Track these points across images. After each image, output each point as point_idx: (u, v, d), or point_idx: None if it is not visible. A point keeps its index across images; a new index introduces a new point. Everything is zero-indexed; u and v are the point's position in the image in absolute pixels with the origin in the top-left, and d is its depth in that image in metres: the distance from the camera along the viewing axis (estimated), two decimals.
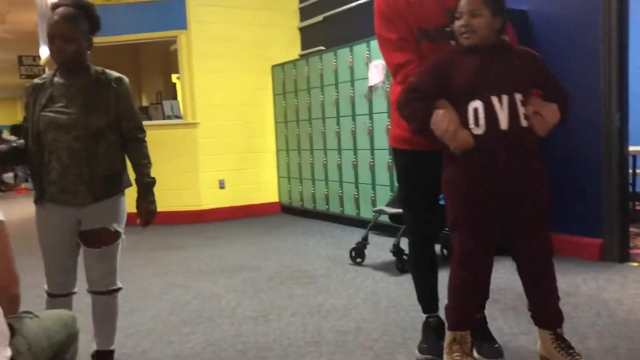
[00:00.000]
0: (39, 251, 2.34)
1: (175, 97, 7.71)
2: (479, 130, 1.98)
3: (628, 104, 3.89)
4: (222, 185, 6.70)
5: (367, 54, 5.35)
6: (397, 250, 3.92)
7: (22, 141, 2.33)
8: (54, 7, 2.23)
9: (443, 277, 2.44)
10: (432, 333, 2.42)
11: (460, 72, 2.02)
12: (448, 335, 2.15)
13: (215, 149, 6.63)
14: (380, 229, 5.06)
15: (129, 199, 2.38)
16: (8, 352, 1.44)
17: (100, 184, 2.26)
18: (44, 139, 2.22)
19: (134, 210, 2.37)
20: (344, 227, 5.77)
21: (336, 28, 6.46)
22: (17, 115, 19.46)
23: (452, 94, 2.04)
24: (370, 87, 5.32)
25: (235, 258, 4.68)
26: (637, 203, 5.63)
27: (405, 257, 3.92)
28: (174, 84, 8.52)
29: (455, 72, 2.03)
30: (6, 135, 15.30)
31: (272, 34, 6.95)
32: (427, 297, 2.47)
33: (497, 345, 2.33)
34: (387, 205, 4.42)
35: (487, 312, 2.44)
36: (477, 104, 1.98)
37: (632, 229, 4.61)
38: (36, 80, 2.33)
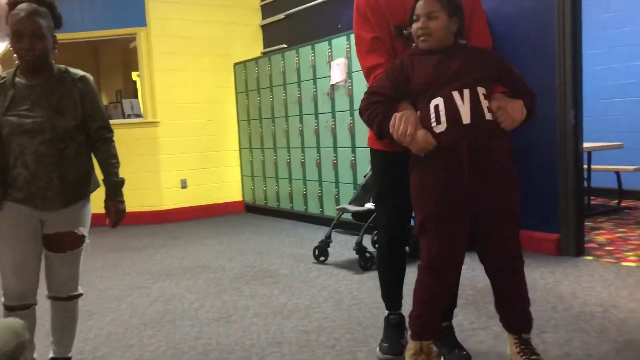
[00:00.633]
0: None
1: (136, 96, 7.58)
2: (441, 128, 1.92)
3: (582, 102, 3.99)
4: (184, 185, 6.62)
5: (329, 52, 5.36)
6: (360, 248, 3.94)
7: None
8: (12, 3, 2.12)
9: (408, 275, 2.47)
10: (393, 331, 2.43)
11: (418, 72, 2.00)
12: (413, 344, 2.06)
13: (177, 148, 6.54)
14: (344, 226, 5.08)
15: (95, 198, 2.32)
16: None
17: (71, 188, 2.19)
18: (8, 144, 2.11)
19: (98, 210, 2.31)
20: (308, 226, 5.77)
21: (298, 26, 6.45)
22: None
23: (413, 95, 2.01)
24: (333, 86, 5.33)
25: (198, 258, 4.63)
26: (592, 198, 5.81)
27: (368, 254, 3.94)
28: (135, 82, 8.37)
29: (414, 72, 2.00)
30: None
31: (233, 31, 6.90)
32: (391, 294, 2.46)
33: (465, 352, 2.30)
34: (350, 203, 4.44)
35: None
36: (438, 100, 1.93)
37: (587, 223, 4.77)
38: None
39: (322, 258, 4.23)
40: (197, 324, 3.02)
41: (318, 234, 5.02)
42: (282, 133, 6.19)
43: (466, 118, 1.91)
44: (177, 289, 3.76)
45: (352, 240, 4.46)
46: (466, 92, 1.92)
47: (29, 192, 2.13)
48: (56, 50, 2.19)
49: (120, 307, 3.43)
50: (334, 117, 5.39)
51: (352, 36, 4.94)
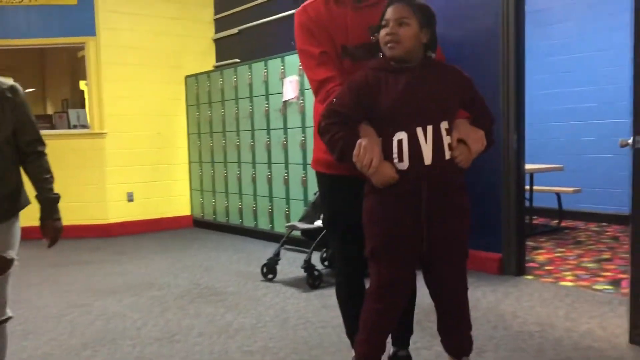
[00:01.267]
0: None
1: (83, 106, 7.38)
2: (403, 166, 1.88)
3: (525, 125, 4.14)
4: (130, 198, 6.46)
5: (282, 69, 5.38)
6: (308, 266, 3.94)
7: None
8: None
9: None
10: None
11: (385, 96, 1.90)
12: None
13: (124, 160, 6.40)
14: (294, 243, 5.07)
15: (30, 212, 2.22)
16: None
17: (0, 206, 2.06)
18: None
19: (35, 223, 2.18)
20: (257, 242, 5.73)
21: (251, 41, 6.45)
22: None
23: (376, 119, 1.92)
24: (285, 102, 5.34)
25: (142, 275, 4.53)
26: (534, 217, 6.01)
27: (316, 272, 3.95)
28: (82, 92, 8.17)
29: (381, 94, 1.90)
30: None
31: (186, 44, 6.83)
32: (355, 334, 2.20)
33: None
34: (300, 220, 4.44)
35: None
36: (402, 135, 1.87)
37: (529, 243, 4.93)
38: None
39: (270, 275, 4.21)
40: (138, 344, 2.94)
41: (267, 250, 4.99)
42: (233, 147, 6.15)
43: (428, 159, 1.87)
44: (120, 307, 3.65)
45: (301, 257, 4.46)
46: (429, 129, 1.87)
47: None
48: None
49: (59, 326, 3.30)
50: (285, 133, 5.40)
51: None
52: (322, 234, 4.05)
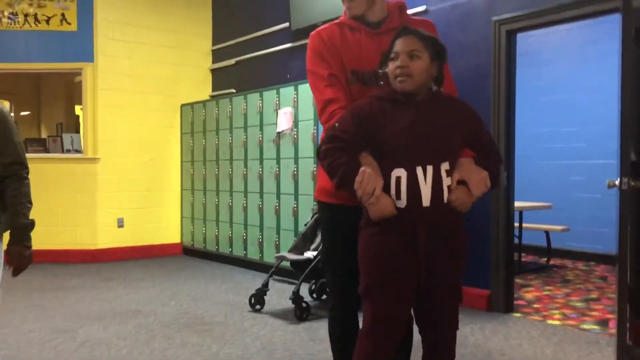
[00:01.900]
0: None
1: (77, 130, 7.40)
2: (400, 204, 1.81)
3: (514, 163, 4.20)
4: (121, 224, 6.44)
5: (277, 100, 5.44)
6: (296, 298, 3.93)
7: None
8: None
9: None
10: None
11: (388, 128, 1.84)
12: None
13: (116, 185, 6.39)
14: (283, 274, 5.05)
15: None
16: None
17: None
18: None
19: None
20: (246, 272, 5.70)
21: (247, 72, 6.54)
22: None
23: (375, 151, 1.87)
24: (279, 133, 5.39)
25: (129, 302, 4.49)
26: (523, 255, 6.04)
27: (304, 304, 3.93)
28: (77, 116, 8.20)
29: (384, 126, 1.84)
30: None
31: (183, 73, 6.91)
32: None
33: None
34: (290, 251, 4.43)
35: None
36: (400, 172, 1.81)
37: (518, 280, 4.94)
38: None
39: (258, 306, 4.18)
40: None
41: (256, 280, 4.97)
42: (225, 176, 6.17)
43: (426, 200, 1.80)
44: (105, 334, 3.62)
45: (289, 288, 4.44)
46: (429, 169, 1.81)
47: None
48: None
49: (42, 352, 3.26)
50: (278, 163, 5.43)
51: (300, 87, 5.12)
52: (312, 265, 4.05)
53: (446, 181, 1.84)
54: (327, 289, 4.43)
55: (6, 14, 6.17)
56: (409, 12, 2.29)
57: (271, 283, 4.36)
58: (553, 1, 3.74)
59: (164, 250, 6.76)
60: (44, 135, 8.60)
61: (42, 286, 4.99)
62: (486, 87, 4.14)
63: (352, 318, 2.17)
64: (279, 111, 5.40)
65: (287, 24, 5.75)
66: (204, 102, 6.59)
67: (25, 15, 6.21)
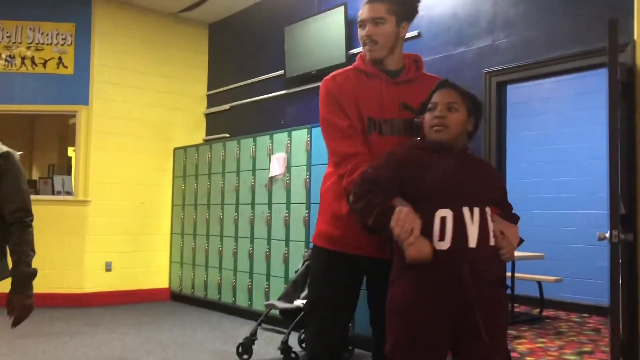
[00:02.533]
0: None
1: (69, 172, 7.38)
2: (443, 245, 1.70)
3: None
4: (108, 268, 6.34)
5: (270, 145, 5.47)
6: (285, 348, 3.85)
7: None
8: None
9: None
10: None
11: (431, 172, 1.79)
12: None
13: (105, 228, 6.33)
14: (272, 322, 4.96)
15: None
16: None
17: None
18: None
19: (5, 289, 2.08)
20: (235, 319, 5.60)
21: (242, 118, 6.59)
22: None
23: (414, 195, 1.78)
24: (271, 178, 5.39)
25: (114, 349, 4.37)
26: (516, 305, 5.97)
27: (293, 355, 3.85)
28: (70, 158, 8.20)
29: (425, 169, 1.79)
30: None
31: (177, 117, 6.96)
32: None
33: None
34: (279, 299, 4.37)
35: None
36: (445, 212, 1.72)
37: (511, 332, 4.87)
38: None
39: (245, 356, 4.08)
40: None
41: (244, 328, 4.87)
42: (216, 220, 6.13)
43: (473, 241, 1.71)
44: None
45: (278, 338, 4.35)
46: (476, 210, 1.74)
47: None
48: None
49: None
50: (270, 208, 5.41)
51: (294, 133, 5.16)
52: (301, 314, 3.98)
53: (491, 225, 1.78)
54: (304, 342, 4.31)
55: (3, 56, 6.24)
56: None
57: (260, 331, 4.27)
58: (542, 55, 3.83)
59: (152, 295, 6.64)
60: (35, 176, 8.57)
61: (25, 332, 4.85)
62: (477, 136, 4.17)
63: None
64: (272, 156, 5.42)
65: (281, 72, 5.83)
66: (197, 146, 6.61)
67: (23, 58, 6.28)
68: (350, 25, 5.15)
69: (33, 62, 6.29)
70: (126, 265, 6.46)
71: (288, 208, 5.18)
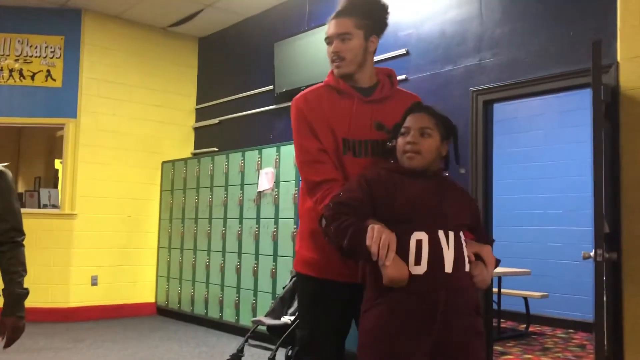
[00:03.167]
0: None
1: (56, 185, 7.34)
2: (419, 270, 1.64)
3: (492, 228, 4.24)
4: (94, 282, 6.28)
5: (259, 160, 5.48)
6: None
7: None
8: None
9: None
10: None
11: (403, 193, 1.73)
12: None
13: (92, 242, 6.27)
14: (259, 338, 4.93)
15: None
16: None
17: None
18: None
19: None
20: (221, 334, 5.56)
21: (230, 132, 6.60)
22: None
23: (389, 219, 1.70)
24: (260, 193, 5.40)
25: None
26: (502, 320, 6.00)
27: None
28: (56, 170, 8.13)
29: (398, 190, 1.73)
30: None
31: (166, 131, 6.94)
32: None
33: None
34: (267, 315, 4.35)
35: None
36: (421, 235, 1.66)
37: (497, 347, 4.88)
38: None
39: None
40: None
41: (231, 344, 4.84)
42: (204, 235, 6.11)
43: (449, 266, 1.65)
44: None
45: (265, 354, 4.33)
46: (451, 235, 1.69)
47: None
48: None
49: None
50: (258, 223, 5.41)
51: (282, 148, 5.17)
52: (289, 330, 3.97)
53: (466, 250, 1.73)
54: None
55: None
56: None
57: (247, 348, 4.25)
58: (528, 74, 3.88)
59: (138, 310, 6.58)
60: (21, 188, 8.48)
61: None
62: (464, 154, 4.21)
63: None
64: (260, 171, 5.43)
65: (271, 87, 5.86)
66: (185, 160, 6.60)
67: (11, 71, 6.26)
68: None
69: (21, 75, 6.27)
70: (112, 279, 6.41)
71: (276, 223, 5.18)
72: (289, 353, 4.42)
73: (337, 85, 2.00)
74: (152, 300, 6.76)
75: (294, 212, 4.96)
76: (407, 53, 4.64)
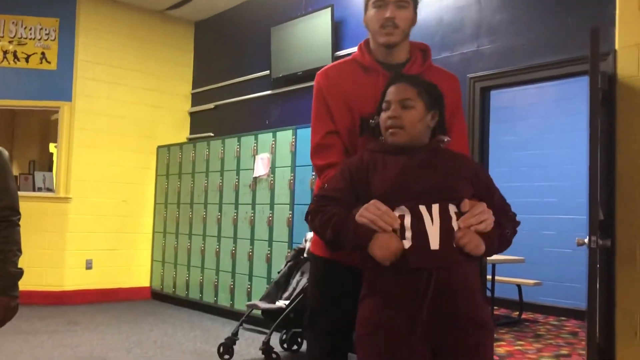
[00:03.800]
0: None
1: (50, 168, 7.30)
2: (406, 243, 1.54)
3: None
4: (89, 266, 6.29)
5: (255, 145, 5.46)
6: (266, 349, 3.84)
7: None
8: None
9: None
10: None
11: (381, 174, 1.63)
12: None
13: (86, 226, 6.27)
14: (254, 322, 4.95)
15: None
16: None
17: None
18: None
19: None
20: (216, 319, 5.58)
21: (226, 117, 6.57)
22: None
23: (369, 199, 1.61)
24: (255, 178, 5.39)
25: (93, 348, 4.34)
26: (495, 307, 6.03)
27: (274, 355, 3.85)
28: (51, 154, 8.09)
29: (376, 172, 1.64)
30: None
31: (161, 115, 6.91)
32: None
33: None
34: (262, 299, 4.36)
35: None
36: (403, 210, 1.56)
37: None
38: None
39: (226, 356, 4.08)
40: None
41: (225, 328, 4.86)
42: (199, 220, 6.11)
43: (434, 242, 1.53)
44: None
45: (260, 338, 4.35)
46: (435, 208, 1.56)
47: None
48: None
49: None
50: (253, 209, 5.41)
51: (278, 133, 5.16)
52: (283, 315, 3.98)
53: (456, 224, 1.57)
54: (286, 343, 4.35)
55: None
56: None
57: (241, 332, 4.26)
58: (526, 61, 3.87)
59: (132, 293, 6.59)
60: (16, 172, 8.45)
61: (2, 329, 4.79)
62: None
63: None
64: (256, 156, 5.42)
65: (267, 72, 5.83)
66: (181, 145, 6.58)
67: (5, 52, 6.20)
68: (337, 26, 5.17)
69: (15, 57, 6.21)
70: (107, 263, 6.41)
71: (272, 209, 5.18)
72: (283, 337, 4.45)
73: (362, 60, 1.91)
74: (147, 284, 6.77)
75: (290, 198, 4.96)
76: None
